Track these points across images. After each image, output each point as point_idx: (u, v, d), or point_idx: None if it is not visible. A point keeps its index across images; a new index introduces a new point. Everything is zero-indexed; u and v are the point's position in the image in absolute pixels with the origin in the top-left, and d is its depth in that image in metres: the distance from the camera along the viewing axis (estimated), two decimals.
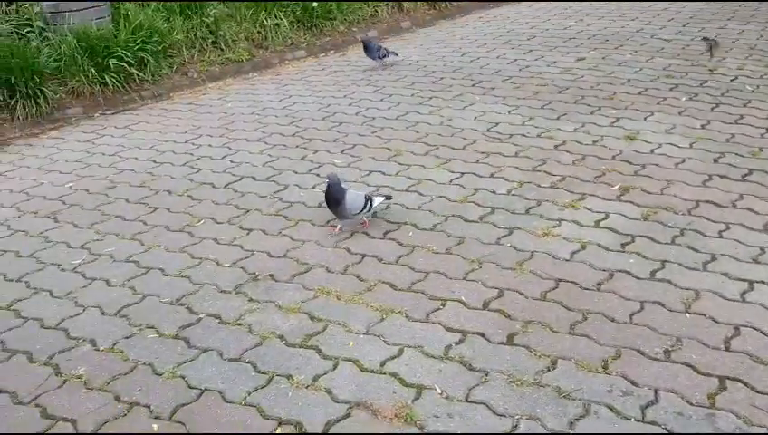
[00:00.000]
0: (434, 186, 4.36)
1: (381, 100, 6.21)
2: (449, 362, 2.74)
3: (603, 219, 3.75)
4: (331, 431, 2.43)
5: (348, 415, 2.49)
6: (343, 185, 3.82)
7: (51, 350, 2.97)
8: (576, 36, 7.57)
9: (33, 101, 6.22)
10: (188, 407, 2.59)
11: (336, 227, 3.86)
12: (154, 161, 5.19)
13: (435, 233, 3.77)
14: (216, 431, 2.43)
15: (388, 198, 4.00)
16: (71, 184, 4.88)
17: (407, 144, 5.09)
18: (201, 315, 3.16)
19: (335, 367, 2.75)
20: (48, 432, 2.23)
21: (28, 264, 3.76)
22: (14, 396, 2.70)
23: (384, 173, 4.60)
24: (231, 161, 5.07)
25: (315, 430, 2.43)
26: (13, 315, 3.27)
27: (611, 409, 2.45)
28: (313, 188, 4.47)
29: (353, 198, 3.75)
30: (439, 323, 2.98)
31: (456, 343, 2.85)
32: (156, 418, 2.54)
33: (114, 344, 2.99)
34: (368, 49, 6.96)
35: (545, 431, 2.37)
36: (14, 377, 2.81)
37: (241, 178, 4.73)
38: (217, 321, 3.11)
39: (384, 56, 6.93)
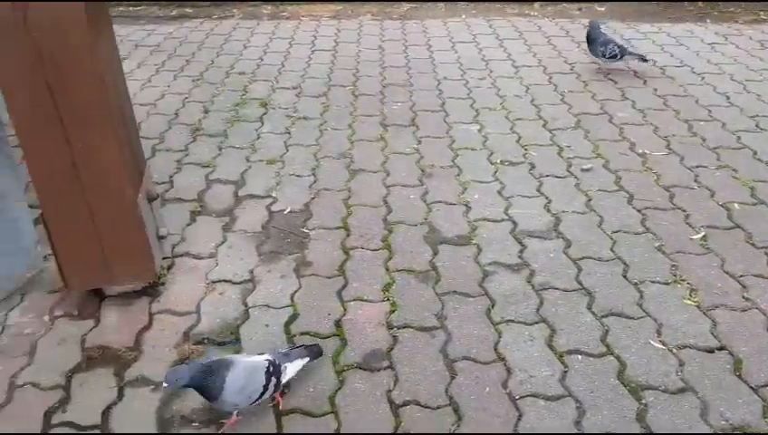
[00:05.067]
0: None
1: None
2: None
3: None
4: None
5: None
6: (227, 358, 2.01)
7: None
8: None
9: None
10: None
11: (231, 419, 2.04)
12: None
13: None
14: None
15: (316, 355, 2.21)
16: None
17: None
18: None
19: None
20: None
21: None
22: None
23: None
24: None
25: None
26: None
27: None
28: None
29: (241, 380, 1.95)
30: None
31: None
32: None
33: None
34: (590, 40, 4.55)
35: None
36: None
37: None
38: None
39: (613, 56, 4.44)
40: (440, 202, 3.16)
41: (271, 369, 2.00)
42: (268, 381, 1.98)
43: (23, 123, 2.14)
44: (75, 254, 2.37)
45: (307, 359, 2.14)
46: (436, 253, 2.80)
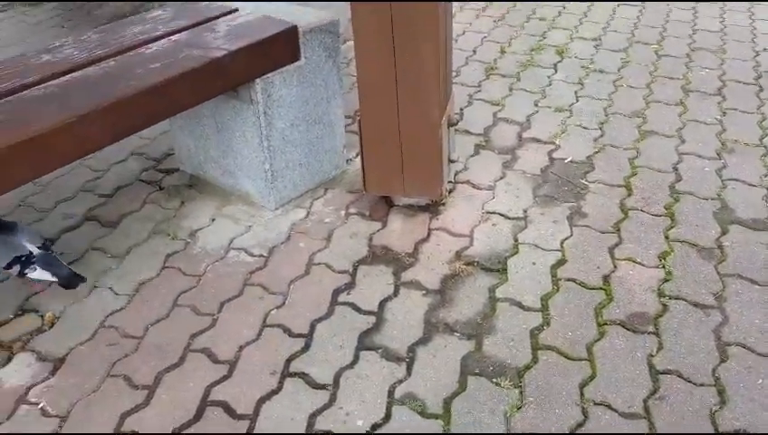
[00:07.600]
0: None
1: None
2: None
3: None
4: None
5: None
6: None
7: None
8: None
9: None
10: None
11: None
12: None
13: None
14: None
15: (66, 284, 2.28)
16: None
17: None
18: None
19: None
20: None
21: None
22: None
23: None
24: None
25: None
26: None
27: None
28: None
29: None
30: None
31: None
32: None
33: None
34: None
35: None
36: None
37: None
38: None
39: None
40: (738, 181, 2.92)
41: (23, 258, 2.22)
42: (11, 265, 2.21)
43: (360, 33, 2.39)
44: (378, 162, 2.63)
45: (56, 280, 2.26)
46: (725, 232, 2.61)
